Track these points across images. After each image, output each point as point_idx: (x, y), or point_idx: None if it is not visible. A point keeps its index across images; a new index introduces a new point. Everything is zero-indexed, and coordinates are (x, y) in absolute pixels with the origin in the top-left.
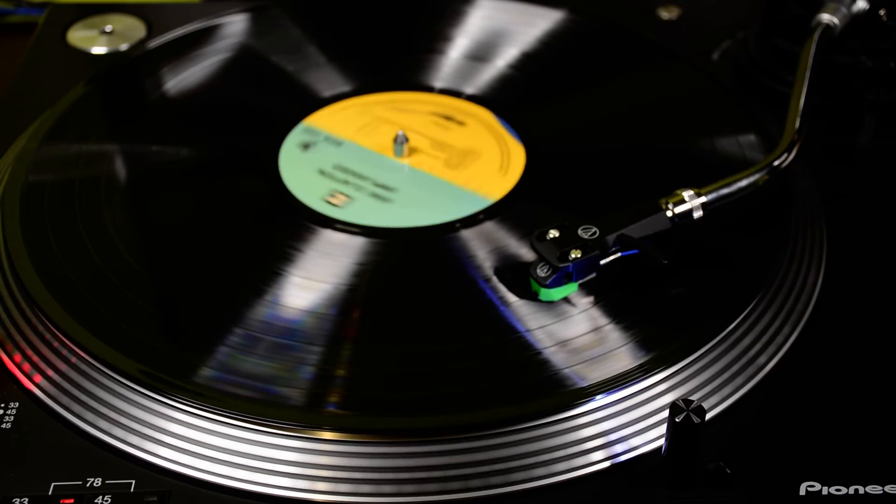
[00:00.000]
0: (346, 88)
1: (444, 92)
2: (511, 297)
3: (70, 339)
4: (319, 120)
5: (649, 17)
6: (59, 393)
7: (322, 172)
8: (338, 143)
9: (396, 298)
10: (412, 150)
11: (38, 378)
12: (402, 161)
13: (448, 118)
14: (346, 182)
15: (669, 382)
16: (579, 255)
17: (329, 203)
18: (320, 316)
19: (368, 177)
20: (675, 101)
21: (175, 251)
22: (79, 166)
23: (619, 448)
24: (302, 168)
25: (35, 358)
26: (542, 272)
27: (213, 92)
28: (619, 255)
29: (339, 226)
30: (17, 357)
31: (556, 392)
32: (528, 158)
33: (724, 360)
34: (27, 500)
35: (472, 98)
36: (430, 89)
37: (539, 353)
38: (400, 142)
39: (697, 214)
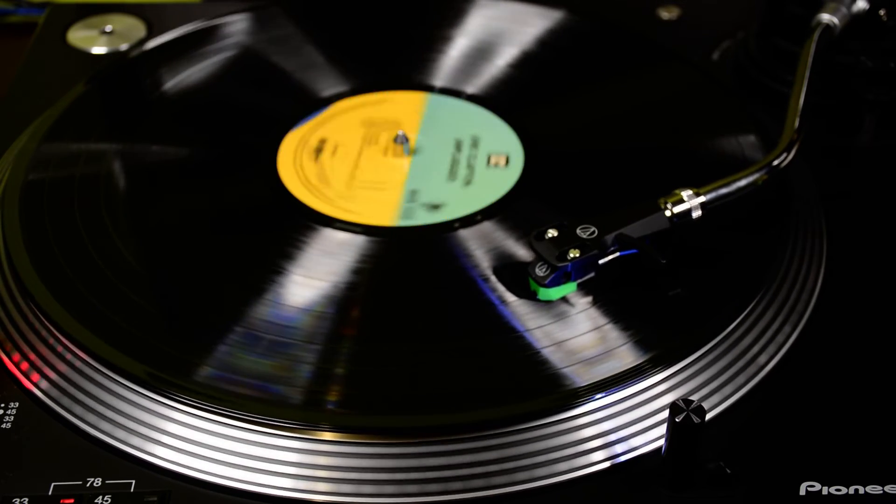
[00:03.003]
0: (345, 88)
1: (445, 92)
2: (510, 297)
3: (70, 338)
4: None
5: (649, 17)
6: (58, 393)
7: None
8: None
9: (396, 297)
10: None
11: (38, 378)
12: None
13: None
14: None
15: (669, 382)
16: (578, 255)
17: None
18: (320, 315)
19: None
20: (675, 101)
21: (175, 251)
22: (79, 166)
23: (619, 448)
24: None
25: (35, 358)
26: (540, 272)
27: (213, 92)
28: (617, 254)
29: (338, 225)
30: (17, 357)
31: (555, 392)
32: (528, 158)
33: (724, 360)
34: (27, 500)
35: (472, 98)
36: (430, 89)
37: (538, 352)
38: (400, 142)
39: (696, 214)
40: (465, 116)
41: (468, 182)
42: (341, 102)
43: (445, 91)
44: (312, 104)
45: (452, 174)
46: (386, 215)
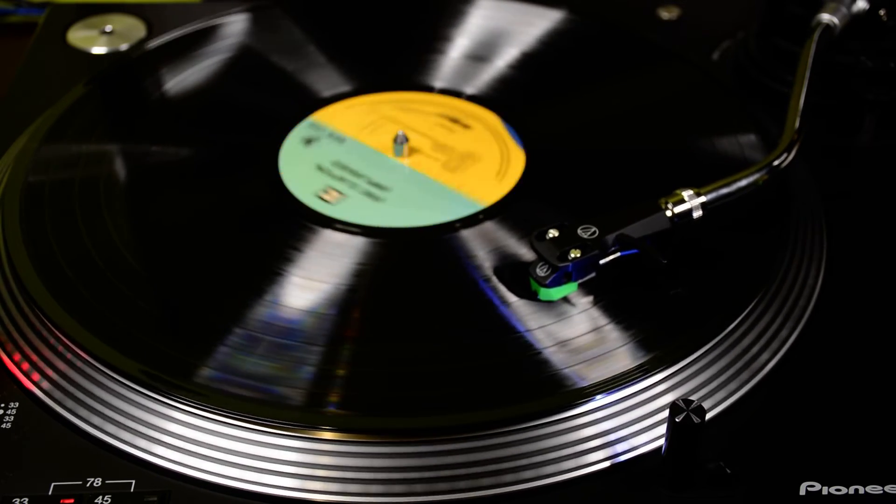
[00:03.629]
0: (345, 88)
1: (445, 92)
2: (511, 297)
3: (70, 338)
4: (326, 116)
5: (649, 17)
6: (59, 393)
7: (320, 168)
8: (341, 139)
9: (396, 298)
10: (412, 151)
11: (38, 378)
12: (401, 161)
13: (454, 121)
14: (341, 179)
15: (669, 382)
16: (579, 255)
17: (321, 199)
18: (320, 316)
19: (364, 174)
20: (676, 102)
21: (175, 251)
22: (79, 166)
23: (619, 448)
24: (301, 162)
25: (35, 358)
26: (541, 272)
27: (213, 92)
28: (618, 254)
29: (339, 226)
30: (18, 357)
31: (556, 392)
32: (528, 158)
33: (724, 360)
34: (27, 500)
35: (472, 98)
36: (430, 89)
37: (539, 352)
38: (400, 142)
39: (697, 214)
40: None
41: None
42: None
43: (445, 91)
44: (312, 104)
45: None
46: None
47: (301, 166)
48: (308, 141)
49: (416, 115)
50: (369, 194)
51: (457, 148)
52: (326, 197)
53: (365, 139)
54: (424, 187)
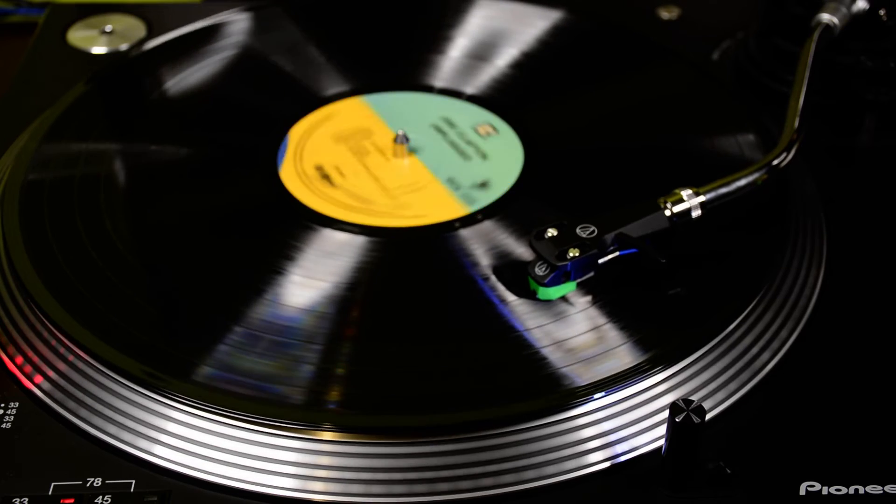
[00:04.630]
0: (345, 88)
1: (445, 92)
2: (509, 296)
3: (70, 338)
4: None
5: (649, 17)
6: (59, 393)
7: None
8: None
9: (395, 297)
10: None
11: (39, 378)
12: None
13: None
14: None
15: (669, 382)
16: (577, 254)
17: (478, 133)
18: (320, 315)
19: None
20: (675, 101)
21: (175, 250)
22: (78, 166)
23: (619, 448)
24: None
25: (35, 358)
26: (540, 271)
27: (212, 92)
28: (617, 254)
29: (338, 225)
30: (18, 357)
31: (555, 392)
32: (528, 158)
33: (724, 360)
34: (27, 500)
35: (472, 98)
36: (429, 89)
37: (538, 352)
38: (401, 141)
39: (696, 214)
40: (417, 104)
41: (483, 156)
42: (292, 130)
43: (445, 91)
44: (312, 104)
45: (463, 155)
46: (452, 208)
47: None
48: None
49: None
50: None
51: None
52: (482, 130)
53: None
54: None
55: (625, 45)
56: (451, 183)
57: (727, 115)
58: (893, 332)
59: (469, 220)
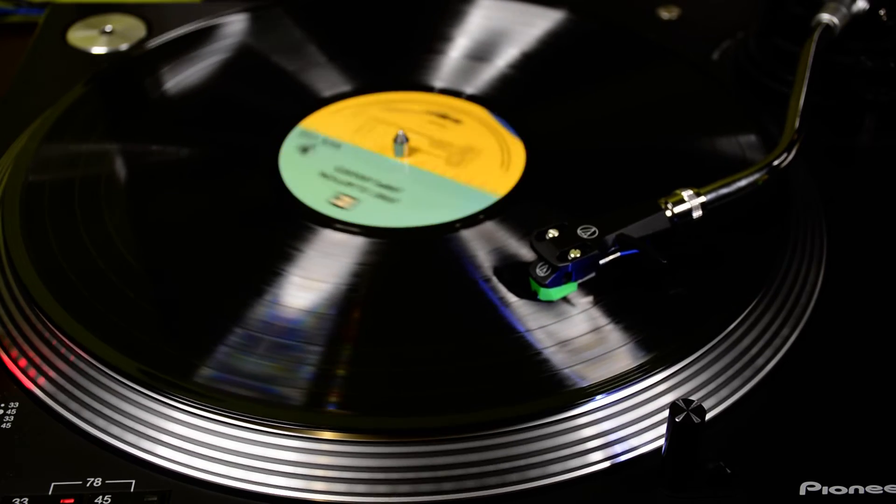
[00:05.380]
0: (346, 88)
1: (445, 92)
2: (510, 297)
3: (70, 338)
4: (315, 123)
5: (649, 17)
6: (59, 393)
7: (324, 175)
8: (336, 145)
9: (396, 298)
10: (412, 150)
11: (39, 378)
12: (402, 161)
13: (443, 116)
14: (349, 184)
15: (669, 382)
16: (578, 255)
17: (335, 205)
18: (320, 316)
19: (371, 177)
20: (676, 101)
21: (175, 251)
22: (79, 166)
23: (619, 448)
24: (303, 171)
25: (35, 358)
26: (541, 272)
27: (212, 92)
28: (618, 254)
29: (338, 226)
30: (18, 357)
31: (556, 392)
32: (528, 158)
33: (724, 361)
34: (27, 500)
35: (471, 98)
36: (429, 89)
37: (539, 353)
38: (400, 142)
39: (697, 214)
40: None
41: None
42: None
43: (445, 91)
44: (312, 104)
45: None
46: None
47: (304, 175)
48: (304, 150)
49: (404, 115)
50: (382, 196)
51: (455, 143)
52: (340, 203)
53: (361, 142)
54: (434, 184)
55: (625, 46)
56: None
57: (727, 116)
58: (893, 332)
59: (470, 221)
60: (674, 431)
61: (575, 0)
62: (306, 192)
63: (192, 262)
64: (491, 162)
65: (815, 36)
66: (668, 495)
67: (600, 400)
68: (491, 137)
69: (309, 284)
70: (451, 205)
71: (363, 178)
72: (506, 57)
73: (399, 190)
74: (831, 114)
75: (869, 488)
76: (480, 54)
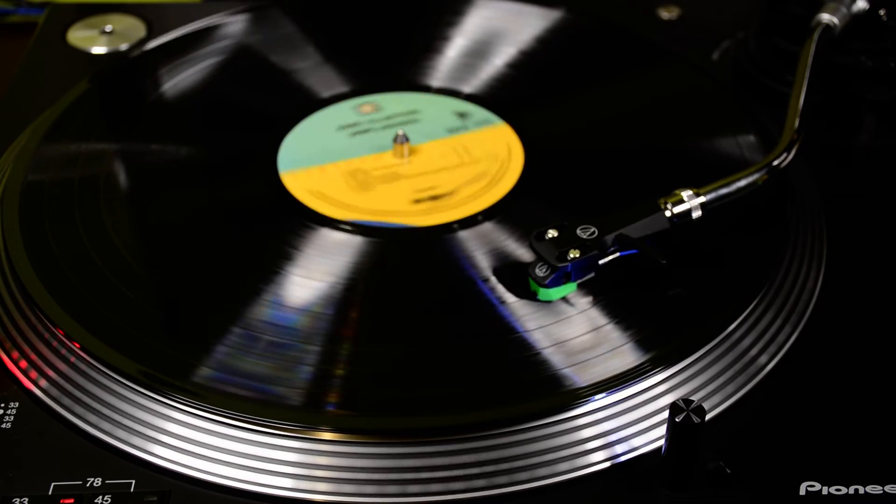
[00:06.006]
0: (345, 89)
1: (444, 91)
2: (510, 298)
3: (70, 338)
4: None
5: (649, 17)
6: (58, 393)
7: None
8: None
9: (395, 298)
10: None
11: (38, 378)
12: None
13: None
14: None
15: (669, 382)
16: (578, 255)
17: (358, 113)
18: (319, 316)
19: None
20: (675, 101)
21: (174, 251)
22: (78, 166)
23: (619, 448)
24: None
25: (35, 358)
26: (540, 272)
27: (212, 92)
28: (617, 254)
29: (337, 225)
30: (19, 359)
31: (555, 392)
32: (528, 158)
33: (724, 361)
34: (27, 500)
35: (470, 97)
36: (428, 89)
37: (538, 353)
38: (400, 142)
39: (696, 214)
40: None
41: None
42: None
43: (444, 91)
44: (312, 104)
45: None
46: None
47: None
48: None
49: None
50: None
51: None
52: (364, 109)
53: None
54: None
55: (625, 46)
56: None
57: (727, 116)
58: (893, 332)
59: (469, 222)
60: (674, 431)
61: (574, 0)
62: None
63: (191, 262)
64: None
65: (815, 36)
66: (668, 495)
67: (600, 400)
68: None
69: (307, 284)
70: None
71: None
72: (505, 57)
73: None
74: (831, 114)
75: (869, 488)
76: (479, 54)
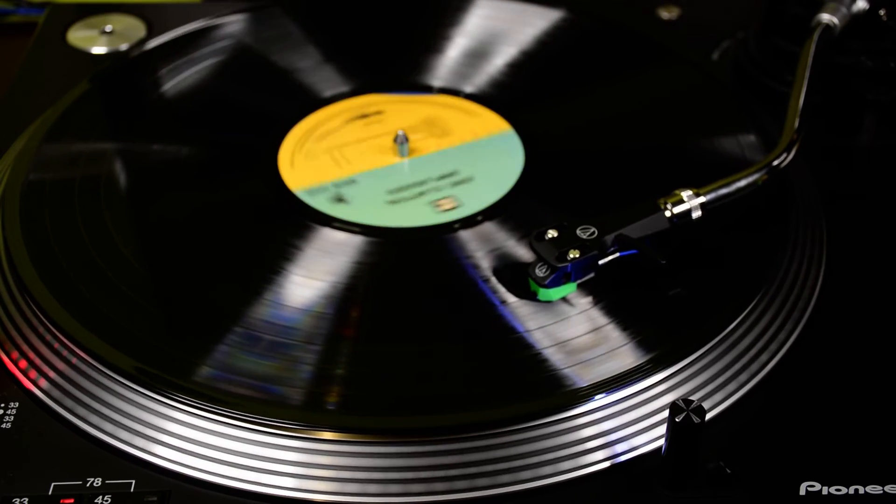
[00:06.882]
0: (345, 88)
1: (444, 91)
2: (510, 298)
3: (70, 338)
4: (298, 181)
5: (649, 17)
6: (58, 392)
7: (393, 202)
8: (352, 181)
9: (396, 298)
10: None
11: (38, 378)
12: (405, 159)
13: (364, 116)
14: (421, 193)
15: (669, 382)
16: (578, 255)
17: (439, 210)
18: (320, 315)
19: (427, 179)
20: (676, 101)
21: (175, 250)
22: (79, 166)
23: (619, 448)
24: (371, 209)
25: (35, 357)
26: (540, 272)
27: (212, 92)
28: (617, 255)
29: (338, 225)
30: (20, 360)
31: (555, 392)
32: (528, 158)
33: (724, 360)
34: (27, 500)
35: (471, 97)
36: (429, 89)
37: (538, 353)
38: (400, 142)
39: (696, 214)
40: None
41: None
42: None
43: (444, 91)
44: (312, 104)
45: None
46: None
47: (379, 209)
48: (339, 200)
49: (339, 134)
50: (457, 184)
51: (405, 125)
52: (443, 205)
53: (362, 167)
54: (460, 156)
55: (625, 45)
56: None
57: (727, 115)
58: (893, 332)
59: (469, 222)
60: (674, 431)
61: (574, 0)
62: (404, 217)
63: (191, 262)
64: (457, 118)
65: (815, 36)
66: (668, 495)
67: (600, 400)
68: (421, 108)
69: (308, 283)
70: (499, 160)
71: (422, 182)
72: (505, 57)
73: (456, 173)
74: (831, 114)
75: (869, 488)
76: (480, 54)
